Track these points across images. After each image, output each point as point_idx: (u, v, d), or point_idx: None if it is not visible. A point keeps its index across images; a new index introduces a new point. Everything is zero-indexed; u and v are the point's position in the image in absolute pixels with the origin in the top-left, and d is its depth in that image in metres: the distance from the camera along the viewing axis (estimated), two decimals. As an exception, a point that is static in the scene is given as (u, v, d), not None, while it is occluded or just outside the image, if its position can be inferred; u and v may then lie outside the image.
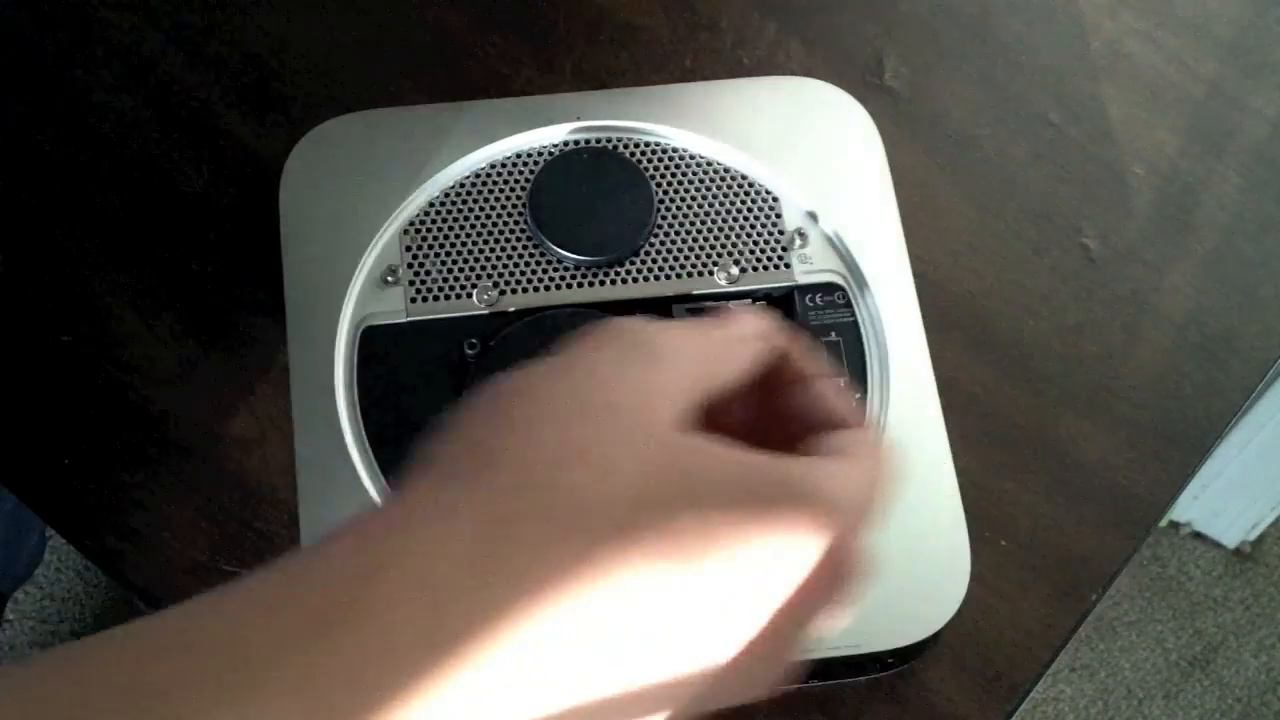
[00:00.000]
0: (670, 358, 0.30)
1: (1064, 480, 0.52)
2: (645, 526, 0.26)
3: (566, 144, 0.53)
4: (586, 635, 0.25)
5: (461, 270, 0.50)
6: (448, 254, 0.51)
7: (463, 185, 0.52)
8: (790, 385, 0.34)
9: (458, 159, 0.52)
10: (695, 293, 0.51)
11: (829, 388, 0.34)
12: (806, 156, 0.53)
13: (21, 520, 0.90)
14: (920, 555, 0.47)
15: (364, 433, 0.47)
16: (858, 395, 0.49)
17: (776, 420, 0.34)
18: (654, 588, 0.26)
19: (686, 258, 0.51)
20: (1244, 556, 1.39)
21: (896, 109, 0.59)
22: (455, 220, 0.51)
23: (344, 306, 0.49)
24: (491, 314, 0.50)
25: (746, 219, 0.52)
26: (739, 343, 0.32)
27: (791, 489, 0.28)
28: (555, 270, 0.51)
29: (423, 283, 0.50)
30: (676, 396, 0.29)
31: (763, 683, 0.29)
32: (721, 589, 0.27)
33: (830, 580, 0.29)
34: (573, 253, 0.50)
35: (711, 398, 0.31)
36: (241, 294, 0.53)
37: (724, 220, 0.52)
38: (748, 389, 0.33)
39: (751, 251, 0.51)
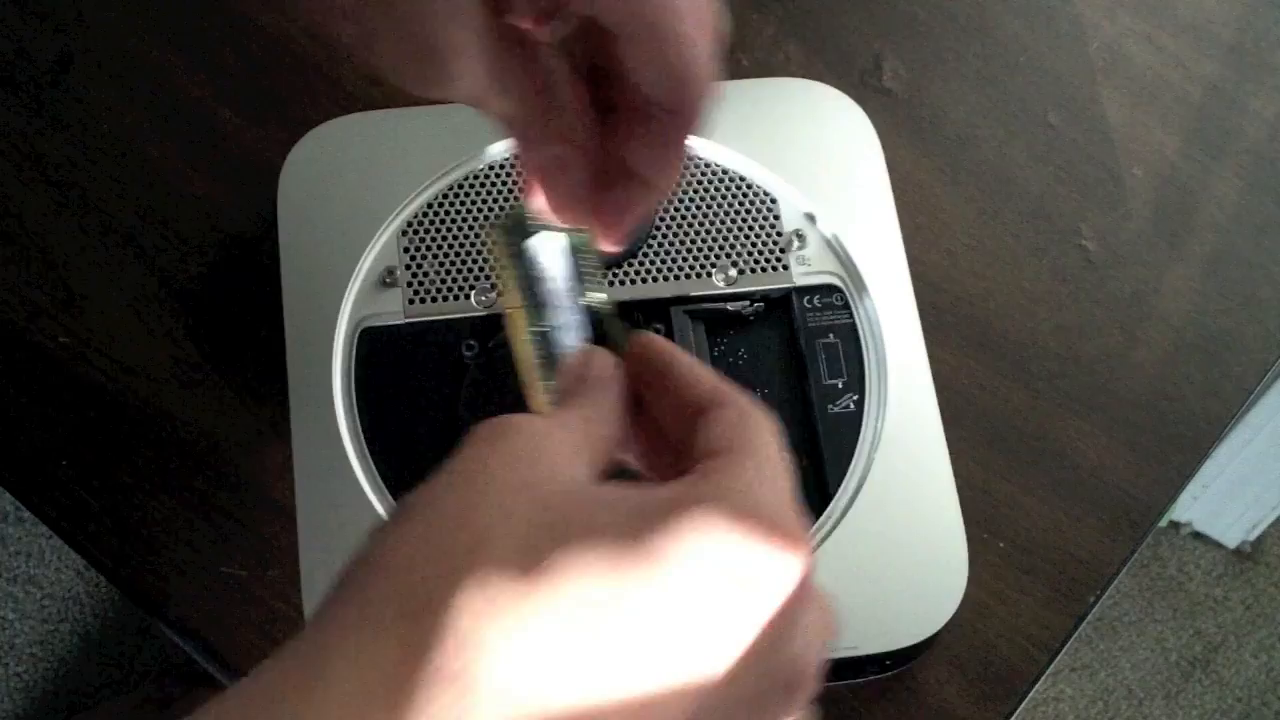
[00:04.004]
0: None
1: (1062, 481, 0.52)
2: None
3: (565, 145, 0.53)
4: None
5: (459, 271, 0.50)
6: (446, 255, 0.51)
7: (461, 186, 0.52)
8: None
9: (456, 160, 0.52)
10: (693, 294, 0.51)
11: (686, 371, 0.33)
12: (804, 158, 0.53)
13: None
14: (918, 557, 0.47)
15: (362, 434, 0.47)
16: (855, 397, 0.49)
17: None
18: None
19: (684, 259, 0.51)
20: (1244, 556, 1.39)
21: (895, 110, 0.59)
22: (453, 221, 0.51)
23: (342, 307, 0.49)
24: (489, 315, 0.50)
25: (744, 221, 0.52)
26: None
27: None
28: (553, 271, 0.51)
29: (421, 284, 0.50)
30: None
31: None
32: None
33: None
34: (571, 254, 0.50)
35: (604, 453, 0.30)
36: (240, 295, 0.53)
37: (722, 222, 0.52)
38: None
39: (749, 253, 0.51)
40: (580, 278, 0.38)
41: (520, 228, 0.38)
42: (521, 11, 0.32)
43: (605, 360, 0.33)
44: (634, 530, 0.25)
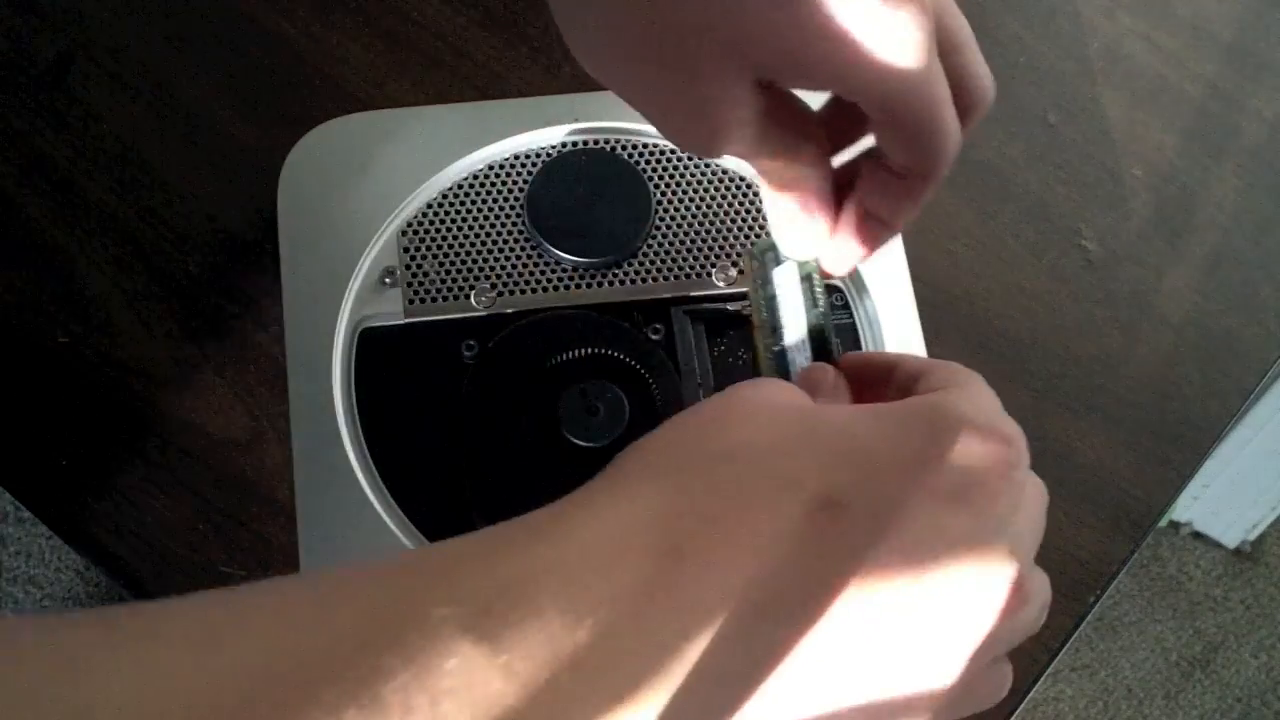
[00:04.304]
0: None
1: (1063, 481, 0.52)
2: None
3: (564, 145, 0.53)
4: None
5: (459, 272, 0.50)
6: (446, 255, 0.51)
7: (460, 186, 0.52)
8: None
9: (456, 160, 0.52)
10: (693, 294, 0.51)
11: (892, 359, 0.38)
12: (805, 158, 0.53)
13: None
14: (918, 557, 0.47)
15: (361, 434, 0.47)
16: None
17: None
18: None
19: (684, 259, 0.51)
20: (1244, 556, 1.40)
21: (895, 110, 0.59)
22: (453, 221, 0.51)
23: (342, 308, 0.49)
24: (489, 315, 0.50)
25: (744, 220, 0.52)
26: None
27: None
28: (553, 272, 0.51)
29: (420, 284, 0.50)
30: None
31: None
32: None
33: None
34: (570, 254, 0.50)
35: None
36: (240, 295, 0.53)
37: (721, 222, 0.52)
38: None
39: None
40: (809, 303, 0.43)
41: (771, 256, 0.45)
42: (790, 85, 0.37)
43: (827, 370, 0.38)
44: (875, 422, 0.31)
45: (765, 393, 0.33)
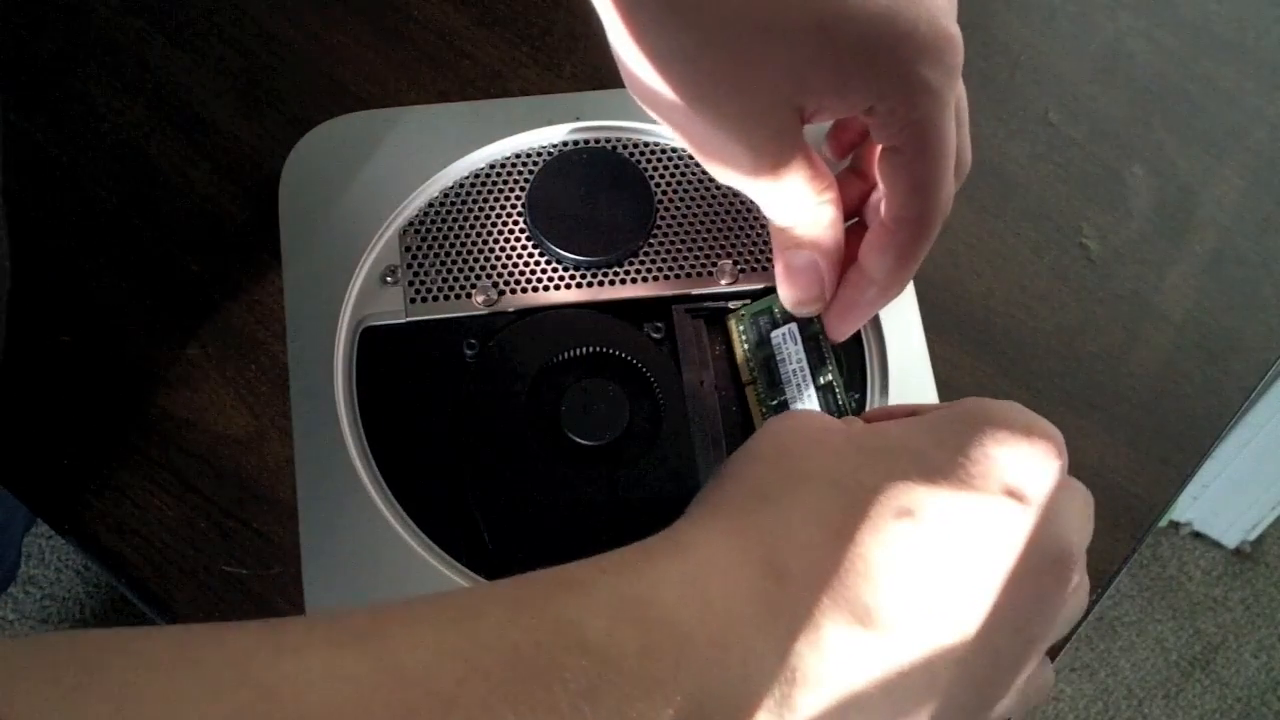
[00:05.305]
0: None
1: (1063, 480, 0.52)
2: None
3: (566, 144, 0.53)
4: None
5: (461, 270, 0.50)
6: (447, 254, 0.51)
7: (462, 185, 0.52)
8: None
9: (457, 159, 0.52)
10: (695, 293, 0.51)
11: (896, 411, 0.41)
12: (806, 157, 0.53)
13: None
14: (919, 555, 0.47)
15: (363, 432, 0.47)
16: (856, 397, 0.49)
17: None
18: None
19: (686, 258, 0.51)
20: (1244, 556, 1.40)
21: (896, 109, 0.59)
22: (454, 220, 0.51)
23: (343, 306, 0.49)
24: (490, 314, 0.50)
25: (746, 219, 0.52)
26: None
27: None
28: (554, 270, 0.51)
29: (422, 283, 0.50)
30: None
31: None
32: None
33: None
34: (572, 253, 0.50)
35: None
36: (241, 294, 0.53)
37: (723, 220, 0.52)
38: None
39: (751, 252, 0.51)
40: (814, 361, 0.46)
41: (766, 317, 0.48)
42: (827, 116, 0.39)
43: (856, 422, 0.39)
44: (929, 432, 0.35)
45: (820, 421, 0.37)
